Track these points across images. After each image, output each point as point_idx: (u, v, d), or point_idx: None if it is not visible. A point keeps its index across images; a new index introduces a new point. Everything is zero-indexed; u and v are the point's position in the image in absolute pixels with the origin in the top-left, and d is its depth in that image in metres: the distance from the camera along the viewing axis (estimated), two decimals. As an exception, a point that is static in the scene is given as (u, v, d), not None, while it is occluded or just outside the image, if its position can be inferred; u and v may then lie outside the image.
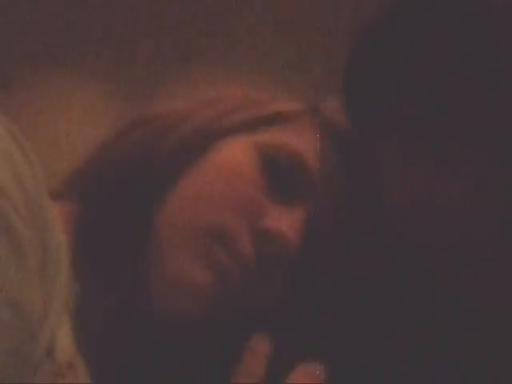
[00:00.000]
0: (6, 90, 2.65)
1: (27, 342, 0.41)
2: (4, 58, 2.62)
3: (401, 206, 0.54)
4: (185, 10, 2.68)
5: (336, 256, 0.58)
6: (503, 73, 0.49)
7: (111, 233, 0.56)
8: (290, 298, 0.58)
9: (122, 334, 0.57)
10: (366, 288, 0.60)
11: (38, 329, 0.44)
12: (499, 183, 0.51)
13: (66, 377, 0.48)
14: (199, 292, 0.53)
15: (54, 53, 2.71)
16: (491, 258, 0.53)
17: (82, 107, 2.74)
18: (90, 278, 0.55)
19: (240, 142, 0.58)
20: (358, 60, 0.56)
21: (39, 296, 0.44)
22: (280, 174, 0.56)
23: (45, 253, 0.46)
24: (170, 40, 2.69)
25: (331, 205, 0.58)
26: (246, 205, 0.55)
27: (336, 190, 0.58)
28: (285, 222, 0.55)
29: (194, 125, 0.58)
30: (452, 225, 0.52)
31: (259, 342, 0.54)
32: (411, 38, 0.52)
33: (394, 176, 0.54)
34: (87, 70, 2.73)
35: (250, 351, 0.54)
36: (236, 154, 0.57)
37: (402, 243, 0.56)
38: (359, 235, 0.59)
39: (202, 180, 0.56)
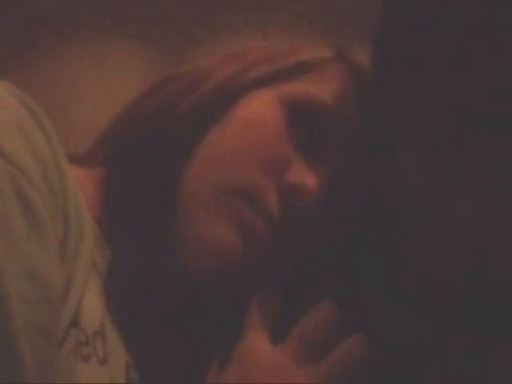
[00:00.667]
0: (33, 53, 2.66)
1: (50, 315, 0.41)
2: (32, 21, 2.62)
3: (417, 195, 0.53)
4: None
5: (362, 211, 0.57)
6: None
7: (139, 194, 0.56)
8: (316, 257, 0.57)
9: (153, 297, 0.57)
10: (390, 244, 0.58)
11: (61, 300, 0.44)
12: None
13: (93, 345, 0.48)
14: (226, 251, 0.53)
15: (83, 16, 2.71)
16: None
17: (113, 69, 2.75)
18: (120, 242, 0.55)
19: (264, 95, 0.57)
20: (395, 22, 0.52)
21: (61, 268, 0.44)
22: (306, 126, 0.55)
23: (65, 224, 0.46)
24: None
25: (358, 157, 0.56)
26: (271, 159, 0.54)
27: (362, 140, 0.56)
28: (311, 176, 0.54)
29: (217, 81, 0.57)
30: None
31: (268, 297, 0.54)
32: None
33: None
34: (118, 32, 2.72)
35: (258, 303, 0.53)
36: (260, 108, 0.56)
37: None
38: (383, 189, 0.57)
39: (226, 136, 0.55)
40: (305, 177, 0.54)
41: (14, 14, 2.71)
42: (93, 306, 0.49)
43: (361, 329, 0.52)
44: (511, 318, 0.55)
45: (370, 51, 0.54)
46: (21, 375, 0.38)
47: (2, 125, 0.43)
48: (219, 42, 2.53)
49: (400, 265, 0.57)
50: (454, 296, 0.56)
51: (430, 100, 0.49)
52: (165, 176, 0.55)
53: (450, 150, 0.49)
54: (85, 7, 2.71)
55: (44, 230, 0.42)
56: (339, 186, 0.55)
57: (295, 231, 0.54)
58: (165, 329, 0.58)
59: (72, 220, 0.47)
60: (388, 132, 0.54)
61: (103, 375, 0.48)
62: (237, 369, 0.51)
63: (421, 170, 0.51)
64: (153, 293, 0.57)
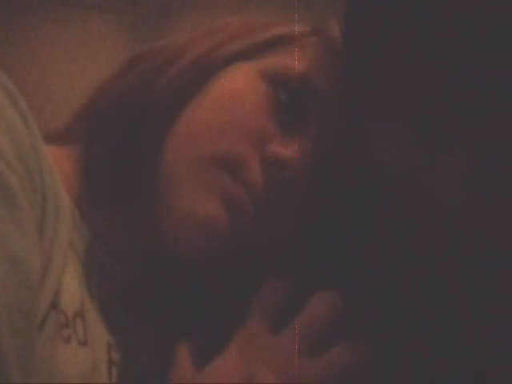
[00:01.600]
0: (9, 27, 2.61)
1: (28, 297, 0.41)
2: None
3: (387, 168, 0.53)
4: None
5: (347, 182, 0.56)
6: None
7: (117, 171, 0.55)
8: (302, 233, 0.57)
9: (135, 276, 0.56)
10: (378, 216, 0.57)
11: (40, 282, 0.43)
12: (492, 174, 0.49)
13: (73, 327, 0.47)
14: (211, 224, 0.52)
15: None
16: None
17: (91, 44, 2.71)
18: (99, 221, 0.55)
19: (243, 68, 0.56)
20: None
21: (39, 249, 0.43)
22: (286, 98, 0.55)
23: (43, 204, 0.45)
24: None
25: (339, 127, 0.55)
26: (252, 131, 0.53)
27: (342, 111, 0.56)
28: (293, 147, 0.53)
29: (195, 55, 0.56)
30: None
31: (272, 284, 0.54)
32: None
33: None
34: (96, 7, 2.68)
35: (263, 293, 0.53)
36: (239, 81, 0.55)
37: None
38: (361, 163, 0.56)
39: (206, 110, 0.54)
40: (287, 147, 0.53)
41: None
42: (72, 287, 0.48)
43: (359, 320, 0.53)
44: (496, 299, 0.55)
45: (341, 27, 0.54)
46: (0, 359, 0.37)
47: None
48: (198, 17, 2.51)
49: (383, 245, 0.58)
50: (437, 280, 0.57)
51: (403, 73, 0.49)
52: (144, 152, 0.54)
53: (424, 123, 0.49)
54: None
55: (20, 212, 0.41)
56: (322, 157, 0.55)
57: (279, 204, 0.54)
58: (147, 309, 0.57)
59: (49, 200, 0.46)
60: (362, 105, 0.53)
61: (84, 357, 0.48)
62: (236, 356, 0.50)
63: (395, 143, 0.51)
64: (135, 272, 0.56)
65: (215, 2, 2.57)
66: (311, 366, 0.49)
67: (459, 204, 0.51)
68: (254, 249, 0.55)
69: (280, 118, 0.54)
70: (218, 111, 0.54)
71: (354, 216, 0.58)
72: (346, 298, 0.53)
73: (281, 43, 0.58)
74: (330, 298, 0.52)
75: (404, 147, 0.51)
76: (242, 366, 0.50)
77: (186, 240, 0.52)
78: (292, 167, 0.53)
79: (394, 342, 0.54)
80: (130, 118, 0.55)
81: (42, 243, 0.44)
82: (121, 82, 0.58)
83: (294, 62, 0.56)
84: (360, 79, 0.52)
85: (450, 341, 0.55)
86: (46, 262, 0.45)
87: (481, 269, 0.55)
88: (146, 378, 0.55)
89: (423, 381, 0.54)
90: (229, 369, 0.50)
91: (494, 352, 0.54)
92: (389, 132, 0.51)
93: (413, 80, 0.48)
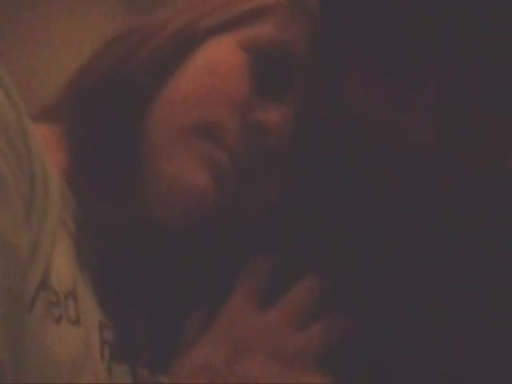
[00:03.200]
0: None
1: (17, 277, 0.40)
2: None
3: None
4: None
5: (330, 147, 0.58)
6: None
7: (103, 146, 0.55)
8: (287, 206, 0.57)
9: (126, 252, 0.56)
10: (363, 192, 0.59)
11: (28, 262, 0.43)
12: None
13: (64, 306, 0.47)
14: (197, 191, 0.53)
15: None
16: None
17: (81, 25, 2.68)
18: (88, 197, 0.55)
19: (224, 40, 0.57)
20: None
21: (27, 228, 0.43)
22: (268, 67, 0.56)
23: (31, 183, 0.45)
24: None
25: (320, 96, 0.56)
26: (234, 99, 0.54)
27: (324, 80, 0.57)
28: (274, 114, 0.54)
29: (173, 29, 0.57)
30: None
31: (257, 262, 0.54)
32: None
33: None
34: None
35: (249, 270, 0.54)
36: (220, 52, 0.56)
37: None
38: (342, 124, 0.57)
39: (187, 80, 0.56)
40: (269, 114, 0.54)
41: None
42: (63, 266, 0.48)
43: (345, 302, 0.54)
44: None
45: None
46: None
47: None
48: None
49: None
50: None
51: (378, 21, 0.50)
52: (128, 125, 0.55)
53: (401, 71, 0.51)
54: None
55: (7, 191, 0.41)
56: (303, 123, 0.55)
57: (263, 172, 0.55)
58: (139, 286, 0.57)
59: (38, 179, 0.46)
60: (339, 59, 0.55)
61: (76, 336, 0.48)
62: (224, 330, 0.52)
63: (373, 94, 0.53)
64: (126, 248, 0.56)
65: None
66: (295, 339, 0.51)
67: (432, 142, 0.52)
68: (240, 220, 0.56)
69: (261, 86, 0.55)
70: (199, 81, 0.55)
71: (336, 188, 0.58)
72: (330, 277, 0.54)
73: (261, 14, 0.58)
74: (314, 284, 0.54)
75: (381, 91, 0.52)
76: (222, 348, 0.51)
77: (172, 207, 0.53)
78: (274, 133, 0.53)
79: (374, 317, 0.55)
80: (113, 93, 0.55)
81: (30, 224, 0.44)
82: (103, 57, 0.58)
83: (275, 31, 0.56)
84: (336, 33, 0.54)
85: (427, 315, 0.56)
86: (35, 243, 0.44)
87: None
88: (137, 356, 0.56)
89: (403, 359, 0.55)
90: (208, 353, 0.51)
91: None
92: (367, 81, 0.53)
93: (386, 26, 0.50)
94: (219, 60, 0.56)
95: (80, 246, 0.52)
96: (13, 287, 0.39)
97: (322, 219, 0.58)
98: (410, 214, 0.59)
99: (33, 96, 0.53)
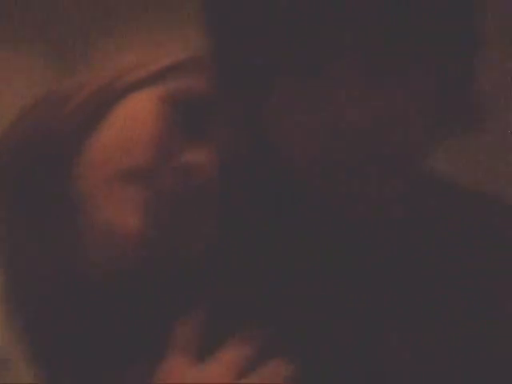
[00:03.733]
0: None
1: None
2: None
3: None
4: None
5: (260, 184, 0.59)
6: None
7: (34, 199, 0.57)
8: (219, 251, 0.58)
9: (62, 300, 0.57)
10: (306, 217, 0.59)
11: None
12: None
13: None
14: (130, 235, 0.54)
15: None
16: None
17: (16, 72, 2.67)
18: (20, 246, 0.57)
19: (143, 95, 0.60)
20: None
21: None
22: (185, 116, 0.58)
23: None
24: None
25: (242, 134, 0.59)
26: (157, 145, 0.57)
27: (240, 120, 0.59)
28: (198, 154, 0.57)
29: (94, 88, 0.60)
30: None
31: (192, 313, 0.54)
32: None
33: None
34: (18, 37, 2.64)
35: (184, 323, 0.53)
36: (141, 104, 0.59)
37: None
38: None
39: (111, 132, 0.58)
40: (193, 155, 0.57)
41: None
42: None
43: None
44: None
45: None
46: None
47: None
48: (116, 42, 2.50)
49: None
50: None
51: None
52: (56, 178, 0.57)
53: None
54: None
55: None
56: (228, 162, 0.58)
57: (195, 211, 0.56)
58: (72, 342, 0.56)
59: None
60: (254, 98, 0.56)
61: None
62: None
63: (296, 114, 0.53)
64: (57, 297, 0.57)
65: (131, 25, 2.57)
66: None
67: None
68: (174, 264, 0.56)
69: (183, 131, 0.58)
70: (124, 133, 0.57)
71: (271, 226, 0.59)
72: (268, 324, 0.53)
73: (175, 70, 0.62)
74: (252, 334, 0.53)
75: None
76: None
77: (107, 253, 0.55)
78: (200, 173, 0.56)
79: (320, 358, 0.55)
80: (37, 151, 0.58)
81: None
82: (29, 117, 0.61)
83: (190, 83, 0.60)
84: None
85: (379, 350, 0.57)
86: None
87: None
88: None
89: None
90: None
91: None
92: (287, 103, 0.53)
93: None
94: (140, 111, 0.59)
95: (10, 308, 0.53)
96: None
97: (256, 261, 0.58)
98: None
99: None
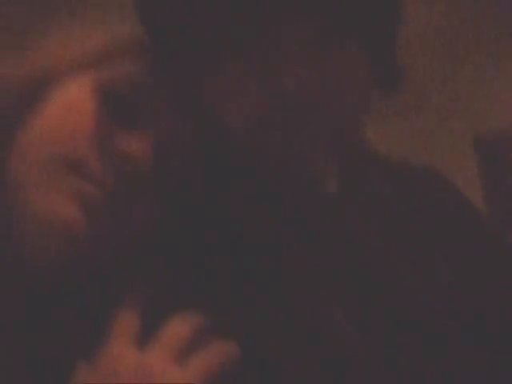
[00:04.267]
0: None
1: None
2: None
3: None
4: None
5: (195, 175, 0.60)
6: None
7: None
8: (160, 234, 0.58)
9: None
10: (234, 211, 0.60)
11: None
12: None
13: None
14: (68, 224, 0.54)
15: None
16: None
17: None
18: None
19: (78, 81, 0.59)
20: None
21: None
22: (121, 103, 0.58)
23: None
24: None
25: (173, 126, 0.59)
26: (92, 134, 0.56)
27: (173, 112, 0.59)
28: (135, 142, 0.56)
29: (25, 73, 0.59)
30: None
31: (133, 293, 0.54)
32: None
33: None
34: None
35: (123, 307, 0.53)
36: (75, 92, 0.58)
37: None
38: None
39: (44, 120, 0.57)
40: (130, 142, 0.56)
41: None
42: None
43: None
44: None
45: None
46: None
47: None
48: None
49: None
50: None
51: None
52: None
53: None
54: None
55: None
56: (163, 148, 0.58)
57: (132, 200, 0.56)
58: (11, 333, 0.56)
59: None
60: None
61: None
62: (104, 371, 0.51)
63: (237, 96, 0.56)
64: None
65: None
66: (176, 375, 0.50)
67: None
68: (113, 251, 0.56)
69: (118, 119, 0.57)
70: (57, 120, 0.57)
71: (211, 212, 0.59)
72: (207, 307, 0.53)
73: (109, 55, 0.61)
74: (190, 317, 0.53)
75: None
76: None
77: (45, 244, 0.54)
78: (137, 160, 0.55)
79: (262, 340, 0.55)
80: None
81: None
82: None
83: (124, 69, 0.59)
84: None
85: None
86: None
87: None
88: None
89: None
90: None
91: None
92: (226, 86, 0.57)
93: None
94: (75, 98, 0.58)
95: None
96: None
97: (196, 245, 0.58)
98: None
99: None
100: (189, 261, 0.57)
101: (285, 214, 0.61)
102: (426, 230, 0.66)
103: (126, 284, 0.55)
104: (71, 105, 0.57)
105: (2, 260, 0.55)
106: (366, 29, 0.58)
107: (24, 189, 0.55)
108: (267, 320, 0.55)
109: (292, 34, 0.55)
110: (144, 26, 0.60)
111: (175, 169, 0.58)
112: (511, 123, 2.32)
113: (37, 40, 0.64)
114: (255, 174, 0.60)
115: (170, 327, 0.52)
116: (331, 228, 0.62)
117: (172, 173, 0.58)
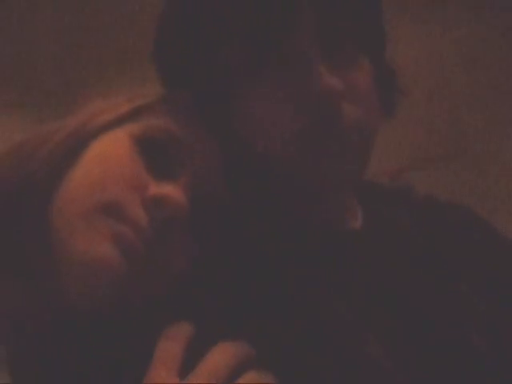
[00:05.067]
0: None
1: None
2: None
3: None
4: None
5: (229, 216, 0.63)
6: None
7: (11, 234, 0.60)
8: (199, 273, 0.60)
9: (40, 333, 0.58)
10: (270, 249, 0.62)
11: None
12: None
13: None
14: (108, 267, 0.56)
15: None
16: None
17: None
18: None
19: (114, 133, 0.63)
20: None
21: None
22: (156, 153, 0.61)
23: None
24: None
25: (209, 168, 0.63)
26: (129, 181, 0.59)
27: (207, 154, 0.63)
28: (168, 188, 0.59)
29: (68, 131, 0.63)
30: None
31: (176, 328, 0.55)
32: None
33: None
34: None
35: (166, 338, 0.54)
36: (113, 143, 0.62)
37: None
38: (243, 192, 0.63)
39: (84, 169, 0.61)
40: (164, 189, 0.59)
41: None
42: None
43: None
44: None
45: None
46: None
47: None
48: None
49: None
50: None
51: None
52: (33, 216, 0.59)
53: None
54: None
55: None
56: (199, 196, 0.61)
57: (169, 242, 0.59)
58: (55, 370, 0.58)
59: None
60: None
61: None
62: None
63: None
64: (39, 333, 0.58)
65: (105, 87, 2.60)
66: None
67: None
68: (152, 291, 0.58)
69: (154, 170, 0.61)
70: (95, 168, 0.60)
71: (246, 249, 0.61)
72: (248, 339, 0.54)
73: (144, 111, 0.65)
74: (231, 347, 0.54)
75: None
76: None
77: (87, 284, 0.56)
78: (170, 203, 0.58)
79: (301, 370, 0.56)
80: (14, 191, 0.60)
81: None
82: (5, 161, 0.63)
83: (158, 122, 0.63)
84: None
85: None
86: None
87: None
88: None
89: None
90: None
91: None
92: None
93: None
94: (112, 149, 0.61)
95: None
96: None
97: (233, 279, 0.60)
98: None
99: None
100: (227, 292, 0.59)
101: (314, 252, 0.63)
102: (454, 266, 0.67)
103: (167, 316, 0.57)
104: (107, 155, 0.61)
105: (49, 302, 0.58)
106: (367, 34, 0.62)
107: (67, 233, 0.58)
108: (306, 355, 0.56)
109: (311, 47, 0.58)
110: (166, 78, 0.66)
111: (209, 208, 0.62)
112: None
113: (80, 103, 0.69)
114: (286, 207, 0.62)
115: (210, 357, 0.53)
116: (361, 266, 0.63)
117: (206, 213, 0.62)
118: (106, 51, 2.67)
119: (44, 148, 0.62)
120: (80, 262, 0.56)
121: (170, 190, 0.59)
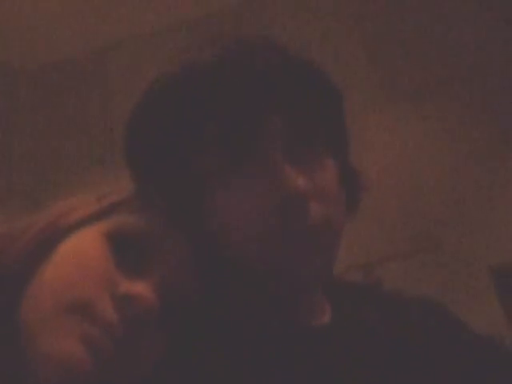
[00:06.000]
0: None
1: None
2: None
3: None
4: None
5: (199, 308, 0.63)
6: None
7: None
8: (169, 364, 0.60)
9: None
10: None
11: None
12: None
13: None
14: (75, 366, 0.56)
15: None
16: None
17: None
18: None
19: (85, 231, 0.64)
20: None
21: None
22: (127, 250, 0.62)
23: None
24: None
25: (180, 265, 0.64)
26: (99, 279, 0.59)
27: (179, 251, 0.64)
28: (139, 286, 0.60)
29: (37, 228, 0.64)
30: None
31: None
32: None
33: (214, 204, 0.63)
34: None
35: None
36: (83, 240, 0.63)
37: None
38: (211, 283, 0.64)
39: (55, 267, 0.61)
40: (135, 286, 0.60)
41: None
42: None
43: None
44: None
45: None
46: None
47: None
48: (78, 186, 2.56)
49: None
50: None
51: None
52: (2, 312, 0.59)
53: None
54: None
55: None
56: (169, 293, 0.62)
57: (139, 340, 0.59)
58: None
59: None
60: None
61: None
62: None
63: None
64: None
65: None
66: None
67: None
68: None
69: (124, 267, 0.61)
70: (67, 267, 0.60)
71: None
72: None
73: (116, 208, 0.66)
74: None
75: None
76: None
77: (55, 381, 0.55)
78: (142, 303, 0.59)
79: None
80: None
81: None
82: None
83: (130, 219, 0.64)
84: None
85: None
86: None
87: None
88: None
89: None
90: None
91: None
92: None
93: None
94: (83, 246, 0.62)
95: None
96: None
97: (204, 369, 0.60)
98: None
99: None
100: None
101: (280, 347, 0.63)
102: (421, 359, 0.67)
103: None
104: (78, 252, 0.62)
105: None
106: (331, 135, 0.65)
107: (35, 332, 0.57)
108: None
109: (277, 150, 0.61)
110: (138, 175, 0.67)
111: (180, 305, 0.62)
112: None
113: (49, 202, 0.70)
114: (253, 296, 0.63)
115: None
116: (327, 360, 0.63)
117: (176, 308, 0.62)
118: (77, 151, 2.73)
119: (15, 245, 0.62)
120: (48, 360, 0.56)
121: (140, 288, 0.59)
